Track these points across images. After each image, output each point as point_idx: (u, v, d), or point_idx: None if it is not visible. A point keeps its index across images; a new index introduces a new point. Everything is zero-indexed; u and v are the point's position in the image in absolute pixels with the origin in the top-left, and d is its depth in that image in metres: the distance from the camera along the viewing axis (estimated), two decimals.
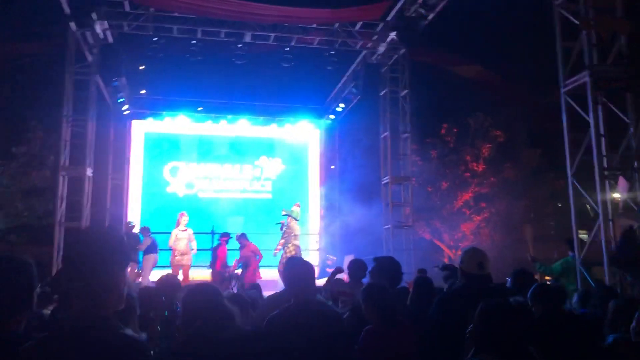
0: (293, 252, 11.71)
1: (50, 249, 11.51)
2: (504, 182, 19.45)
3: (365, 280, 5.08)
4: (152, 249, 11.64)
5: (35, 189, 16.85)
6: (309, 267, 3.33)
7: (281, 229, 12.28)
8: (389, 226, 13.29)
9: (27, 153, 16.83)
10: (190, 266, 11.69)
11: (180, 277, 10.84)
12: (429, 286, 4.91)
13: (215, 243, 12.60)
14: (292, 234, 12.04)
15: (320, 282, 6.00)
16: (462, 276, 3.37)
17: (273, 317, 3.25)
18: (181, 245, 11.47)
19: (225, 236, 11.98)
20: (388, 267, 4.74)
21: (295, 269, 3.29)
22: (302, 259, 3.50)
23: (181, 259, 11.39)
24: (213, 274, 11.32)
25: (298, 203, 13.07)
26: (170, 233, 11.86)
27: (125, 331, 1.87)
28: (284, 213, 12.48)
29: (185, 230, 11.72)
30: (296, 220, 12.30)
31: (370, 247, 13.89)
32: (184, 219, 11.79)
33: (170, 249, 11.67)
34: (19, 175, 16.68)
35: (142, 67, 16.99)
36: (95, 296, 1.85)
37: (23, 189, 16.79)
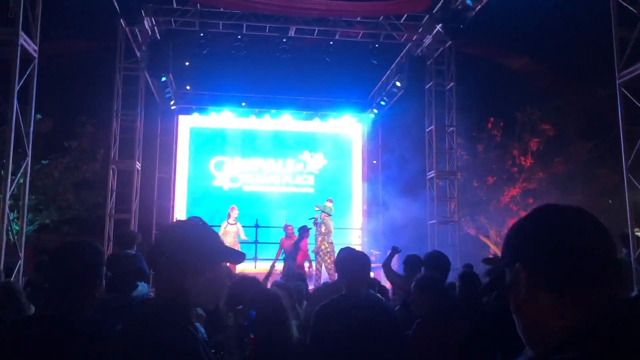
0: (329, 250, 11.63)
1: (101, 240, 11.84)
2: (553, 178, 18.90)
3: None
4: None
5: (86, 182, 17.37)
6: (363, 257, 3.28)
7: (314, 223, 12.13)
8: (434, 221, 13.10)
9: (78, 147, 17.35)
10: None
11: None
12: (476, 280, 4.81)
13: (268, 235, 12.53)
14: (328, 231, 11.90)
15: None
16: None
17: (323, 307, 3.22)
18: (229, 239, 11.61)
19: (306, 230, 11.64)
20: (438, 261, 4.70)
21: (349, 259, 3.25)
22: (355, 249, 3.43)
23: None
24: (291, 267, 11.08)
25: (330, 199, 12.86)
26: (219, 226, 12.00)
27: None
28: (317, 209, 12.34)
29: (235, 223, 11.87)
30: (329, 215, 12.13)
31: (414, 242, 13.71)
32: (234, 212, 11.93)
33: None
34: (70, 168, 17.21)
35: (187, 64, 17.29)
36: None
37: (74, 182, 17.32)
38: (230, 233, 11.69)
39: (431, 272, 3.96)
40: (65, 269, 2.10)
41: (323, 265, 11.60)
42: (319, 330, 3.16)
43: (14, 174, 5.94)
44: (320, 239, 11.88)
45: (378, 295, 3.35)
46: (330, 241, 11.87)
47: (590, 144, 19.40)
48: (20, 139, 6.00)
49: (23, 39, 5.84)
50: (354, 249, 3.44)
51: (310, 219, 12.31)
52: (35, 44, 6.16)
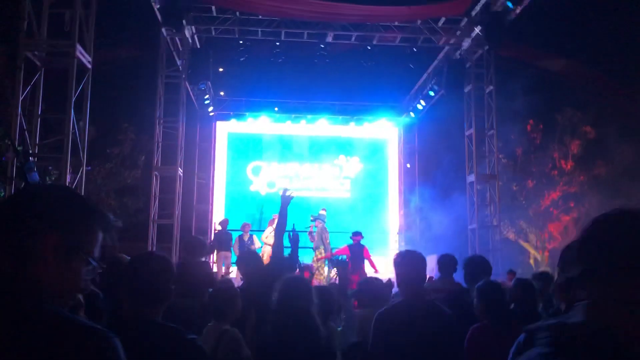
0: (319, 265, 11.48)
1: (144, 245, 12.08)
2: (594, 181, 18.48)
3: (456, 275, 5.00)
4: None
5: (127, 188, 17.77)
6: (419, 260, 3.23)
7: (310, 233, 11.99)
8: (474, 226, 12.96)
9: (119, 154, 17.77)
10: None
11: None
12: (531, 288, 4.74)
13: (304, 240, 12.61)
14: (326, 240, 11.74)
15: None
16: None
17: (383, 314, 3.23)
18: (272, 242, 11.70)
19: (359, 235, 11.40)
20: (479, 266, 4.63)
21: (406, 264, 3.23)
22: (413, 252, 3.35)
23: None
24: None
25: (324, 208, 12.81)
26: (261, 231, 12.09)
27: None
28: (312, 218, 12.19)
29: None
30: (324, 222, 11.96)
31: (453, 247, 13.49)
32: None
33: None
34: (112, 174, 17.63)
35: (221, 70, 17.53)
36: None
37: (116, 187, 17.74)
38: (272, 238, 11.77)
39: (491, 280, 3.93)
40: (139, 278, 2.25)
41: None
42: (380, 340, 3.17)
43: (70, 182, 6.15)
44: (323, 248, 11.72)
45: (436, 302, 3.33)
46: (319, 257, 11.65)
47: (632, 147, 18.89)
48: (75, 147, 6.20)
49: (79, 51, 6.05)
50: (411, 251, 3.36)
51: (306, 228, 12.10)
52: (90, 56, 6.38)
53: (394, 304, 3.27)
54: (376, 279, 5.29)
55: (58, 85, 6.17)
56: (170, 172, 12.58)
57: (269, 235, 11.72)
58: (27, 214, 1.18)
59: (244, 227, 12.19)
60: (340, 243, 13.14)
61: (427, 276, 4.31)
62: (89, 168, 17.16)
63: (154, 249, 11.73)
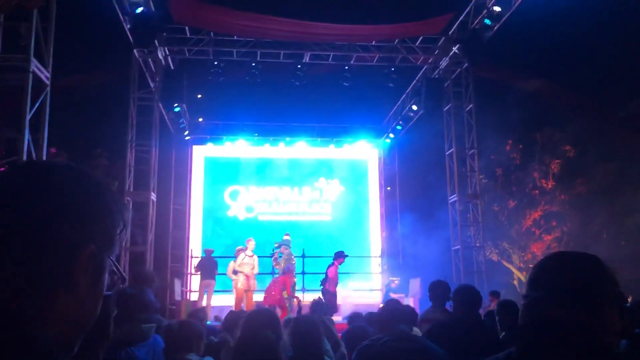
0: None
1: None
2: (576, 199, 18.41)
3: (449, 304, 4.60)
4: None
5: None
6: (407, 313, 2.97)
7: (274, 258, 11.77)
8: (458, 247, 12.66)
9: None
10: (254, 291, 11.41)
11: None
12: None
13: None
14: (292, 262, 11.43)
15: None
16: None
17: (363, 348, 2.87)
18: (247, 270, 11.24)
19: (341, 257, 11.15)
20: (469, 297, 4.20)
21: (392, 317, 2.95)
22: (400, 304, 3.12)
23: (246, 283, 11.15)
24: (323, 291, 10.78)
25: (287, 233, 12.57)
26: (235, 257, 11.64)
27: None
28: (277, 245, 11.96)
29: (252, 256, 11.45)
30: (289, 247, 11.70)
31: (436, 269, 13.25)
32: (251, 244, 11.51)
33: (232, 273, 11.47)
34: None
35: (199, 96, 17.22)
36: None
37: None
38: (248, 265, 11.31)
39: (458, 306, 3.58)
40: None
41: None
42: None
43: None
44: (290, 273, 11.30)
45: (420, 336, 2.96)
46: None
47: (612, 165, 18.91)
48: None
49: (35, 65, 5.67)
50: (398, 303, 3.13)
51: (270, 255, 11.99)
52: (48, 71, 5.99)
53: (374, 338, 2.89)
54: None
55: (15, 104, 5.77)
56: (143, 197, 12.11)
57: (241, 262, 11.27)
58: (58, 222, 0.73)
59: (238, 252, 11.76)
60: (322, 267, 12.76)
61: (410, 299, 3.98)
62: None
63: (128, 277, 11.17)
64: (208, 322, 7.24)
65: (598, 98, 19.95)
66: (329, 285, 10.58)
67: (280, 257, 11.62)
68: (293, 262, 11.37)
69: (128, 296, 3.36)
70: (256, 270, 11.63)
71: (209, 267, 11.73)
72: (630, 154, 18.28)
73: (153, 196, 12.20)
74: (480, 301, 4.33)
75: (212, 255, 12.08)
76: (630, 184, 18.73)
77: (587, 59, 18.85)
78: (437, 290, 4.72)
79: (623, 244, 18.96)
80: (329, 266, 10.81)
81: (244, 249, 11.39)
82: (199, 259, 12.60)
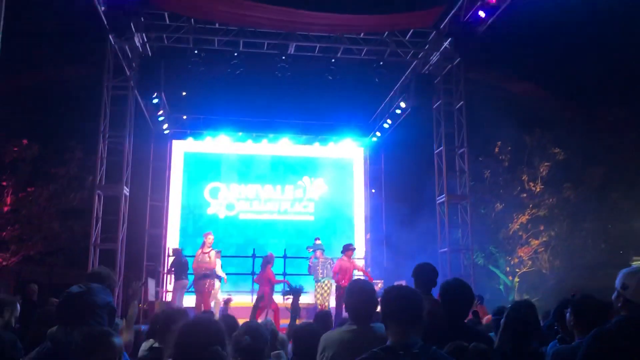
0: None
1: (83, 272, 10.83)
2: (564, 203, 18.05)
3: (435, 290, 4.00)
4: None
5: (74, 211, 16.43)
6: (414, 296, 2.47)
7: (309, 265, 11.61)
8: (445, 249, 12.16)
9: (65, 174, 16.46)
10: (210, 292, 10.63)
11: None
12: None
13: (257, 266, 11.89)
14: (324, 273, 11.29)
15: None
16: (628, 307, 2.38)
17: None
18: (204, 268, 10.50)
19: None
20: (460, 295, 3.59)
21: (394, 300, 2.46)
22: (403, 286, 2.61)
23: (204, 283, 10.38)
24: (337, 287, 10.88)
25: (318, 237, 12.53)
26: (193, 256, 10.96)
27: None
28: (310, 250, 11.94)
29: (209, 252, 10.58)
30: (323, 251, 11.68)
31: None
32: (209, 239, 10.68)
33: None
34: (57, 196, 16.30)
35: (184, 94, 16.59)
36: None
37: (61, 210, 16.39)
38: (204, 262, 10.47)
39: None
40: None
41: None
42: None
43: None
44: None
45: (434, 347, 2.39)
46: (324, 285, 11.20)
47: (601, 169, 18.58)
48: None
49: None
50: (401, 286, 2.62)
51: (307, 257, 11.90)
52: None
53: (375, 350, 2.36)
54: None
55: None
56: (114, 190, 11.43)
57: (199, 259, 10.55)
58: None
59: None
60: (303, 269, 12.24)
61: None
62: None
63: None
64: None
65: (586, 101, 19.72)
66: (340, 280, 10.47)
67: (315, 262, 11.31)
68: (330, 265, 11.22)
69: (73, 296, 2.87)
70: (220, 273, 11.06)
71: (184, 268, 11.12)
72: (618, 157, 18.05)
73: (126, 190, 11.54)
74: (472, 300, 3.78)
75: (183, 254, 11.47)
76: (618, 189, 18.48)
77: (578, 62, 18.57)
78: (421, 274, 4.07)
79: (602, 247, 18.59)
80: (339, 260, 10.78)
81: (202, 245, 10.65)
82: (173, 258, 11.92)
